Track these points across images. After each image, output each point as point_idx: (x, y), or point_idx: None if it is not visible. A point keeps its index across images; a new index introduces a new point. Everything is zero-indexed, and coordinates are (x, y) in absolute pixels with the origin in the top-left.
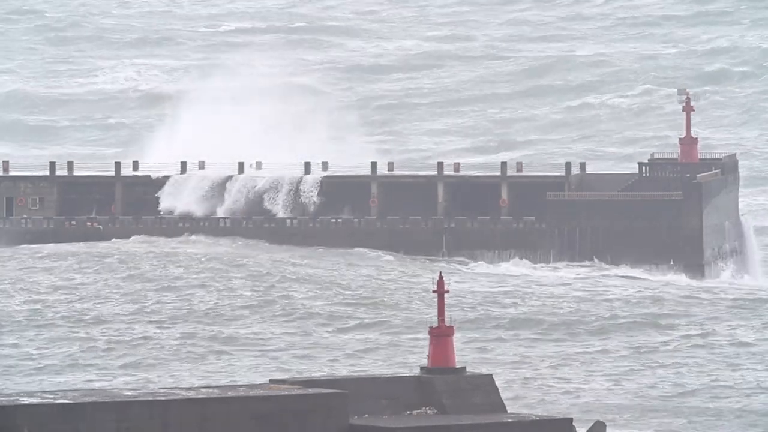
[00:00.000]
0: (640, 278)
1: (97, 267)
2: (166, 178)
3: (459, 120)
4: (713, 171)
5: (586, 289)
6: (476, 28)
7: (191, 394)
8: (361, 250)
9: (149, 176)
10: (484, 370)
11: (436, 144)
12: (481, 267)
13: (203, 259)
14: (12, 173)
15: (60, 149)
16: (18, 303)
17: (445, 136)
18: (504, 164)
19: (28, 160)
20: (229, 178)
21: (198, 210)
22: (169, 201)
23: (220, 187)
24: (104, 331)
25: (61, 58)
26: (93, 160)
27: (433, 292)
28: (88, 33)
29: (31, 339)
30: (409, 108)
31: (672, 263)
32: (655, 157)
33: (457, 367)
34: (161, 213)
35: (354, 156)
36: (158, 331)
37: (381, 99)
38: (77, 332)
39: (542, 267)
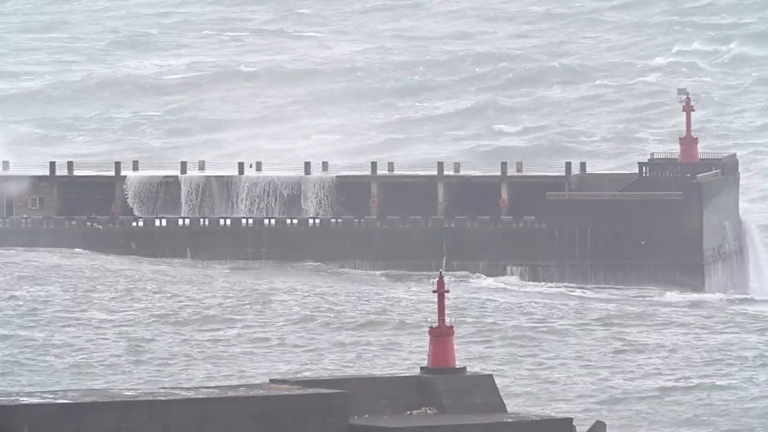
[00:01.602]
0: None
1: None
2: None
3: (459, 106)
4: (713, 171)
5: (586, 294)
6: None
7: (191, 394)
8: (356, 271)
9: (153, 176)
10: (484, 370)
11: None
12: (482, 281)
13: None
14: (12, 173)
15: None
16: None
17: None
18: (504, 164)
19: (32, 159)
20: (230, 178)
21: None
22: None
23: (222, 189)
24: None
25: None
26: (101, 157)
27: (433, 292)
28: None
29: None
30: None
31: (671, 264)
32: (655, 157)
33: (457, 367)
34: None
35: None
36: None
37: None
38: None
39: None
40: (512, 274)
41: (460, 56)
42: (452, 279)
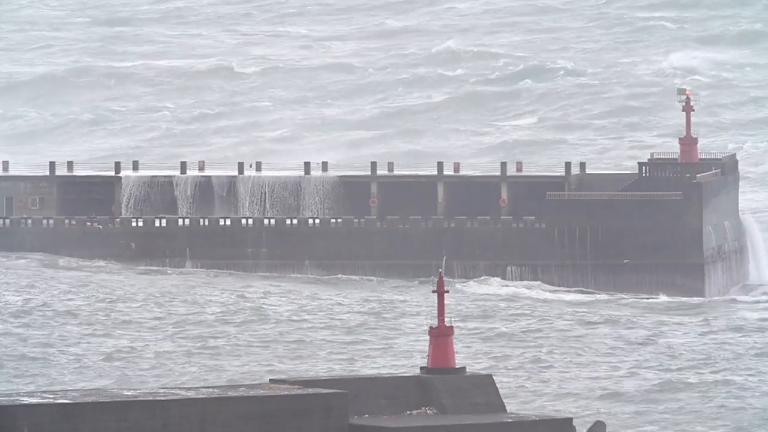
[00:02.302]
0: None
1: None
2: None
3: (458, 99)
4: (713, 171)
5: (586, 294)
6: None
7: (191, 394)
8: (355, 277)
9: (152, 177)
10: (484, 371)
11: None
12: (482, 287)
13: None
14: (12, 173)
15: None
16: None
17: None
18: (504, 164)
19: (30, 158)
20: (233, 178)
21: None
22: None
23: (223, 190)
24: None
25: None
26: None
27: (433, 292)
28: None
29: None
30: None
31: (671, 263)
32: (655, 157)
33: (457, 367)
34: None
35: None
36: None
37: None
38: None
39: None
40: (512, 274)
41: (458, 51)
42: (457, 285)
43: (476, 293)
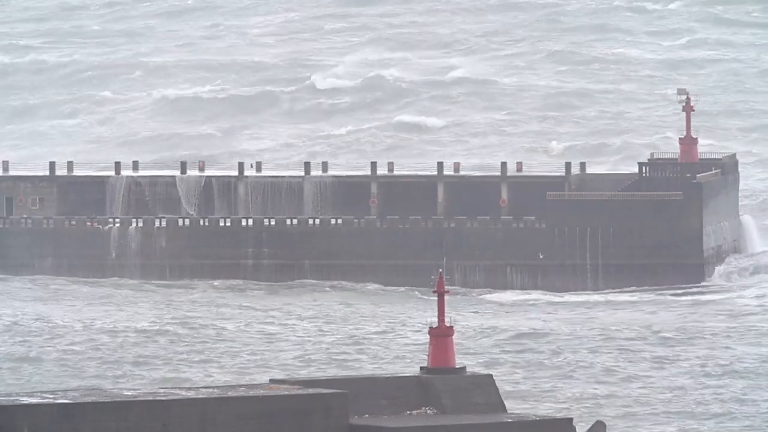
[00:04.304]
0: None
1: None
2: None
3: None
4: (713, 171)
5: (586, 294)
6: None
7: (191, 394)
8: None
9: (151, 176)
10: (484, 371)
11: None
12: (484, 295)
13: None
14: (12, 173)
15: None
16: None
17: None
18: (504, 164)
19: (29, 159)
20: (236, 179)
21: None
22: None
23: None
24: None
25: None
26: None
27: (434, 292)
28: None
29: None
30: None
31: (671, 264)
32: (655, 157)
33: (457, 367)
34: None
35: None
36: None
37: None
38: None
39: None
40: (511, 275)
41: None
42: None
43: (477, 300)
